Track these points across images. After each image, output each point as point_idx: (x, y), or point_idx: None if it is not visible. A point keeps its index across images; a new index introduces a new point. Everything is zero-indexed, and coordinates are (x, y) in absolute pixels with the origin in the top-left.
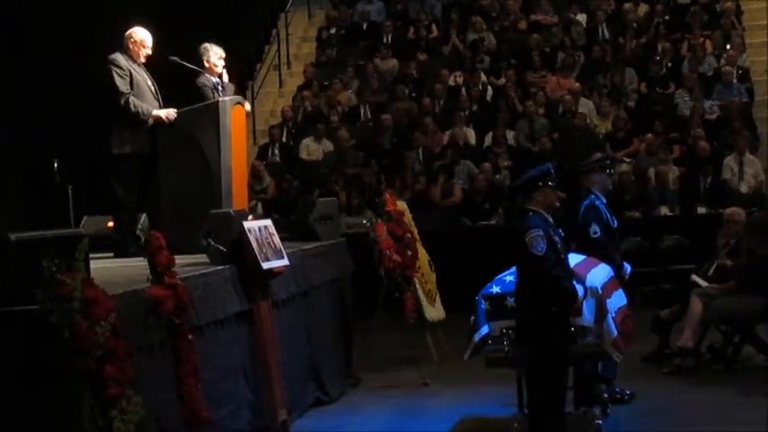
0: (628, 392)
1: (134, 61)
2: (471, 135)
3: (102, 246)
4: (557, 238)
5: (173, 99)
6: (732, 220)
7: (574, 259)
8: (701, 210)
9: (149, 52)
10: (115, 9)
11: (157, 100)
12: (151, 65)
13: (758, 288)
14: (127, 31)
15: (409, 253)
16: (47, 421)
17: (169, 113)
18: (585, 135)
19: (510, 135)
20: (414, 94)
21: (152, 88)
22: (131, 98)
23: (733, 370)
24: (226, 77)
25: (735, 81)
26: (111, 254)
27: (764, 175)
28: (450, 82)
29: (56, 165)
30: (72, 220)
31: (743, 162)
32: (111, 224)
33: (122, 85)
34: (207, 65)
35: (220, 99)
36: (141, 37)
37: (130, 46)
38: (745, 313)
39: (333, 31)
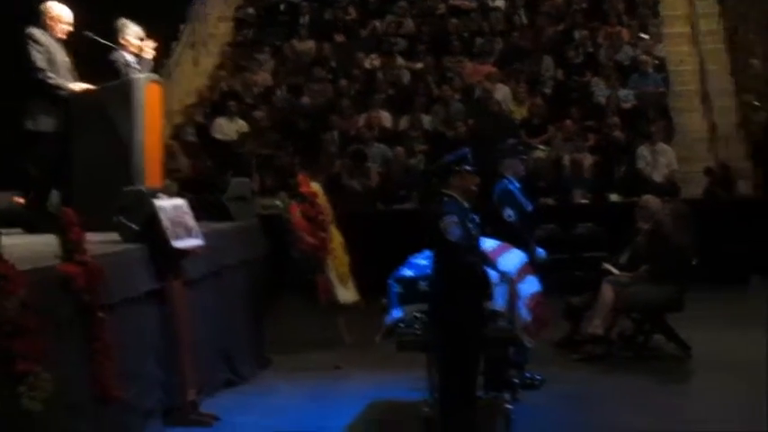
0: (538, 378)
1: (52, 37)
2: (387, 118)
3: (11, 222)
4: (471, 224)
5: (87, 75)
6: (642, 207)
7: (487, 244)
8: (615, 198)
9: (70, 28)
10: None
11: (73, 77)
12: (65, 40)
13: (670, 277)
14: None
15: (323, 235)
16: None
17: (88, 88)
18: (501, 121)
19: (426, 119)
20: (330, 77)
21: (67, 65)
22: (48, 73)
23: (643, 357)
24: (149, 54)
25: (651, 70)
26: (21, 230)
27: (678, 165)
28: (367, 65)
29: None
30: None
31: (657, 151)
32: (20, 200)
33: (39, 60)
34: (123, 42)
35: (134, 76)
36: (57, 12)
37: (48, 21)
38: (656, 301)
39: (250, 10)
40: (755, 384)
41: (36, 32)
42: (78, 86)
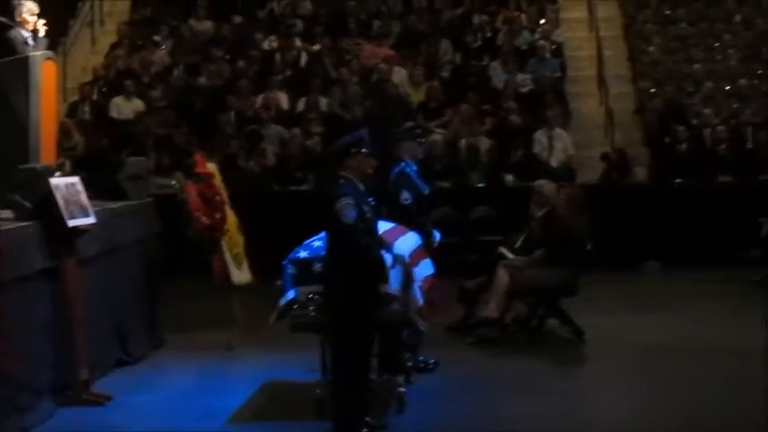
0: (432, 361)
1: None
2: (284, 100)
3: None
4: (366, 207)
5: None
6: (537, 192)
7: (382, 227)
8: (510, 181)
9: None
10: None
11: None
12: None
13: (565, 261)
14: None
15: (218, 215)
16: None
17: None
18: (398, 103)
19: (323, 101)
20: (228, 57)
21: None
22: None
23: (537, 341)
24: (42, 32)
25: (548, 55)
26: None
27: (574, 150)
28: (265, 46)
29: None
30: None
31: (553, 136)
32: None
33: None
34: (19, 19)
35: (30, 54)
36: None
37: None
38: (550, 286)
39: None
40: (648, 369)
41: None
42: None
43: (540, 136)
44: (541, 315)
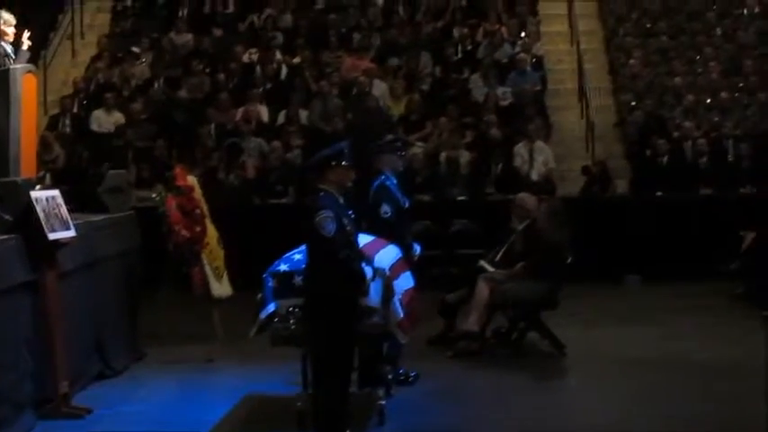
0: (412, 374)
1: None
2: (264, 112)
3: None
4: (346, 220)
5: None
6: (518, 205)
7: (363, 239)
8: (491, 194)
9: None
10: None
11: None
12: None
13: (545, 274)
14: None
15: (198, 228)
16: None
17: None
18: (379, 116)
19: (303, 114)
20: (208, 70)
21: None
22: None
23: (517, 355)
24: (26, 45)
25: (529, 69)
26: None
27: (555, 163)
28: (245, 59)
29: None
30: None
31: (533, 149)
32: None
33: None
34: None
35: (11, 67)
36: None
37: None
38: (530, 299)
39: (128, 2)
40: (629, 382)
41: None
42: None
43: (520, 149)
44: (522, 328)
